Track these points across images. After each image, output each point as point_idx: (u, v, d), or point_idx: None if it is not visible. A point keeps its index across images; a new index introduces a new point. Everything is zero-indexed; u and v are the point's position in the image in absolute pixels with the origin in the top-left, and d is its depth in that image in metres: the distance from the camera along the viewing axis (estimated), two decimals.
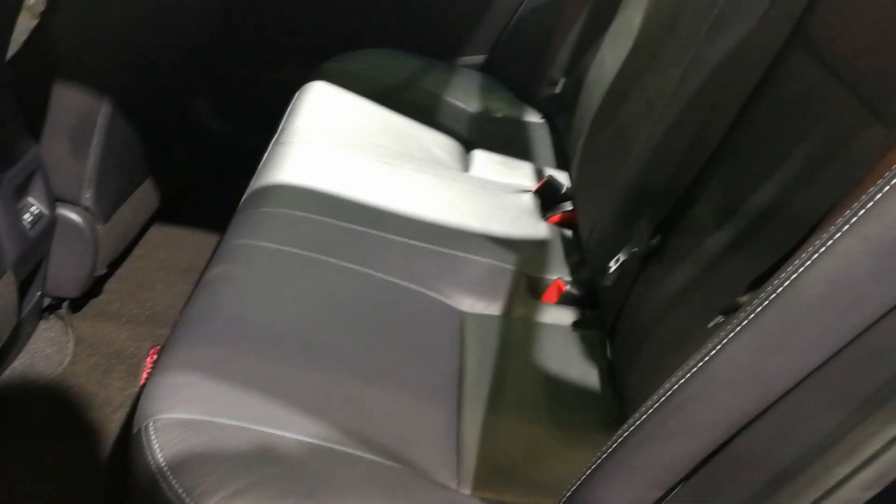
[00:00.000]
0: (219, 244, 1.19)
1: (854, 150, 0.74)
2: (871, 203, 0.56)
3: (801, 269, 0.58)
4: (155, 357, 1.46)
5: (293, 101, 1.58)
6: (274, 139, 1.45)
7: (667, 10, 1.26)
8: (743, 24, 1.00)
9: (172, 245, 1.83)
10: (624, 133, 1.20)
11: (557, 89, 1.76)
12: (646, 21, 1.38)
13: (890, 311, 0.58)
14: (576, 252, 1.29)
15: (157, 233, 1.83)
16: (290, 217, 1.19)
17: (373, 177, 1.34)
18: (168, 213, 1.80)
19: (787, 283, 0.59)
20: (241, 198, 1.32)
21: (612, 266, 1.08)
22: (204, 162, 1.99)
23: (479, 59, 1.94)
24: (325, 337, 0.99)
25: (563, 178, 1.54)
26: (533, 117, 1.81)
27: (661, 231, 1.02)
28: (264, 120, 1.63)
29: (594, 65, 1.59)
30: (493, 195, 1.41)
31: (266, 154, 1.40)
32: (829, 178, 0.76)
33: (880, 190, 0.55)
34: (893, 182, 0.55)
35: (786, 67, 0.92)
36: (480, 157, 1.57)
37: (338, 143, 1.42)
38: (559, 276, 1.23)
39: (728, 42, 1.01)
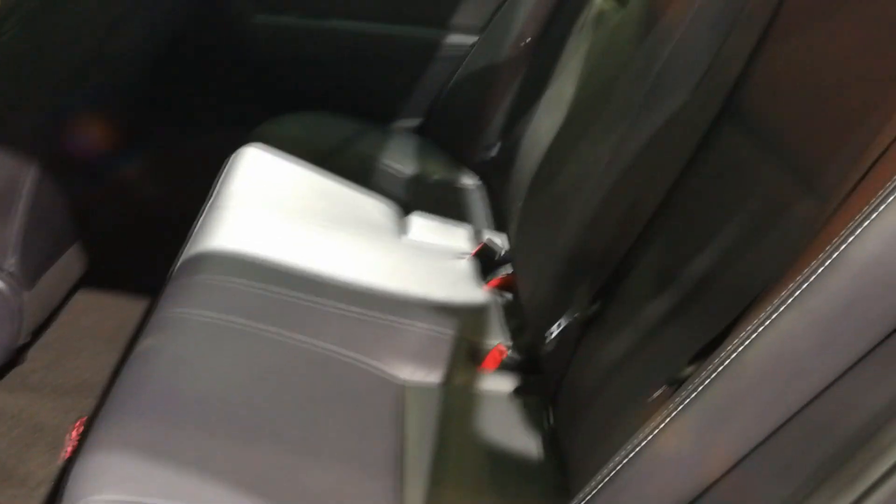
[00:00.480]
0: (148, 312, 1.16)
1: (789, 221, 0.76)
2: (812, 277, 0.57)
3: (744, 344, 0.58)
4: (80, 430, 1.40)
5: (227, 165, 1.56)
6: (208, 204, 1.42)
7: (601, 81, 1.28)
8: (676, 96, 1.02)
9: (98, 311, 1.77)
10: (561, 199, 1.21)
11: (493, 153, 1.78)
12: (580, 90, 1.41)
13: (832, 383, 0.58)
14: (515, 317, 1.29)
15: (82, 299, 1.77)
16: (224, 285, 1.16)
17: (309, 242, 1.33)
18: (94, 278, 1.74)
19: (731, 357, 0.59)
20: (170, 263, 1.29)
21: (553, 332, 1.08)
22: (133, 226, 1.94)
23: (414, 122, 1.95)
24: (260, 411, 0.96)
25: (500, 241, 1.54)
26: (469, 180, 1.82)
27: (601, 297, 1.02)
28: (197, 184, 1.61)
29: (529, 130, 1.61)
30: (431, 259, 1.41)
31: (199, 219, 1.37)
32: (766, 250, 0.77)
33: (821, 264, 0.56)
34: (833, 257, 0.56)
35: (718, 139, 0.94)
36: (418, 220, 1.56)
37: (273, 207, 1.40)
38: (499, 341, 1.22)
39: (661, 114, 1.03)
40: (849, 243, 0.55)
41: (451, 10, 1.86)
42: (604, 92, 1.22)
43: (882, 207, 0.55)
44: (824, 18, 0.84)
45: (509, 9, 1.78)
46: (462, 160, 1.85)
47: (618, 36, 1.29)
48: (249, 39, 1.85)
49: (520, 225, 1.41)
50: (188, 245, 1.31)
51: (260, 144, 1.62)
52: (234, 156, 1.60)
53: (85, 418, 1.41)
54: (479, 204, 1.72)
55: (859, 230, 0.55)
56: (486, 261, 1.43)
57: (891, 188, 0.55)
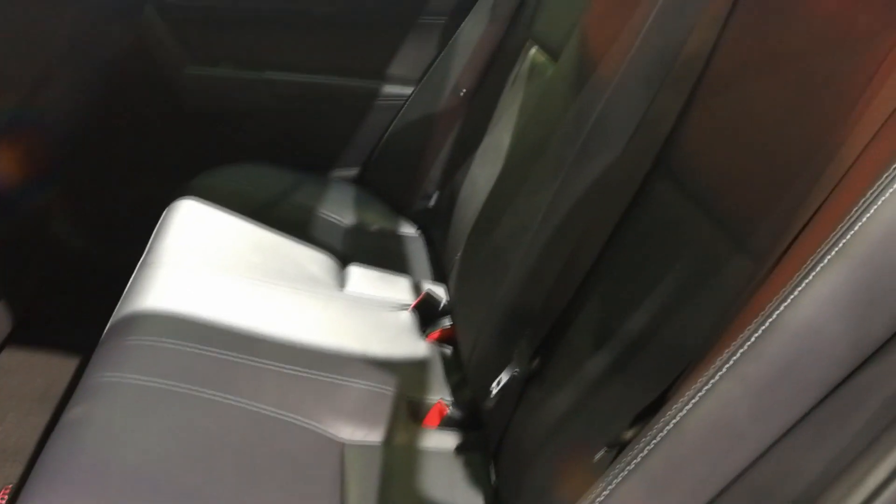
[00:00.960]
0: (78, 371, 1.12)
1: (722, 280, 0.77)
2: (747, 343, 0.57)
3: (683, 412, 0.59)
4: (5, 500, 1.35)
5: (160, 220, 1.53)
6: (140, 261, 1.39)
7: (535, 134, 1.30)
8: (608, 153, 1.04)
9: (25, 371, 1.71)
10: (499, 253, 1.22)
11: (431, 203, 1.79)
12: (515, 142, 1.43)
13: (770, 448, 0.59)
14: (457, 371, 1.28)
15: (8, 358, 1.71)
16: (157, 347, 1.13)
17: (246, 299, 1.30)
18: (21, 336, 1.69)
19: (670, 424, 0.59)
20: (101, 320, 1.25)
21: (494, 388, 1.07)
22: (62, 282, 1.89)
23: (352, 171, 1.95)
24: (196, 479, 0.94)
25: (440, 291, 1.54)
26: (408, 230, 1.82)
27: (542, 353, 1.03)
28: (131, 237, 1.57)
29: (467, 181, 1.62)
30: (370, 313, 1.40)
31: (132, 278, 1.34)
32: (700, 308, 0.78)
33: (756, 330, 0.57)
34: (767, 323, 0.57)
35: (651, 196, 0.96)
36: (356, 272, 1.55)
37: (208, 263, 1.38)
38: (441, 397, 1.21)
39: (594, 169, 1.05)
40: (783, 309, 0.56)
41: (387, 61, 1.87)
42: (538, 146, 1.24)
43: (813, 274, 0.56)
44: (750, 79, 0.87)
45: (445, 60, 1.79)
46: (401, 210, 1.85)
47: (551, 90, 1.31)
48: (183, 91, 1.83)
49: (459, 276, 1.41)
50: (120, 305, 1.28)
51: (195, 197, 1.60)
52: (168, 210, 1.57)
53: (10, 487, 1.36)
54: (418, 254, 1.72)
55: (792, 296, 0.57)
56: (426, 313, 1.43)
57: (821, 254, 0.56)
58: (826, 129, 0.71)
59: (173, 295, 1.25)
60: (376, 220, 1.81)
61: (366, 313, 1.39)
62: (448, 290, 1.50)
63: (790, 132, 0.77)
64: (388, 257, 1.67)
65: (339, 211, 1.78)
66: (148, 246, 1.44)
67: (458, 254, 1.47)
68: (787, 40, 0.82)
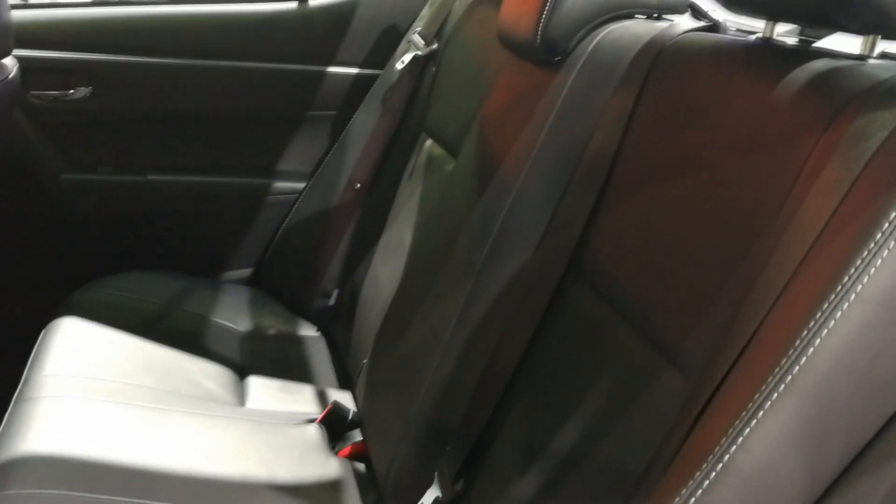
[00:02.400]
0: None
1: (656, 396, 0.73)
2: (699, 490, 0.53)
3: None
4: None
5: (38, 343, 1.40)
6: (16, 395, 1.26)
7: (440, 232, 1.26)
8: (519, 254, 1.00)
9: None
10: (410, 362, 1.16)
11: (331, 301, 1.72)
12: (418, 239, 1.38)
13: None
14: (372, 490, 1.20)
15: None
16: (42, 498, 1.01)
17: (138, 431, 1.19)
18: None
19: None
20: None
21: None
22: None
23: (245, 273, 1.86)
24: None
25: (348, 400, 1.46)
26: (308, 331, 1.74)
27: (465, 474, 0.96)
28: (6, 361, 1.44)
29: (368, 278, 1.57)
30: (274, 431, 1.30)
31: (6, 415, 1.21)
32: (636, 429, 0.74)
33: (706, 476, 0.53)
34: (718, 468, 0.53)
35: (569, 300, 0.92)
36: (256, 384, 1.46)
37: (94, 392, 1.26)
38: None
39: (507, 272, 1.01)
40: (733, 451, 0.53)
41: (277, 157, 1.81)
42: (444, 245, 1.20)
43: (762, 412, 0.53)
44: (659, 180, 0.85)
45: (338, 154, 1.75)
46: (299, 310, 1.77)
47: (453, 186, 1.27)
48: (60, 199, 1.71)
49: (368, 385, 1.34)
50: None
51: (76, 313, 1.48)
52: (46, 329, 1.45)
53: None
54: (321, 357, 1.64)
55: (742, 436, 0.53)
56: (335, 426, 1.34)
57: (767, 390, 0.53)
58: (748, 238, 0.68)
59: (55, 434, 1.13)
60: (273, 324, 1.72)
61: (270, 432, 1.30)
62: (356, 399, 1.42)
63: (707, 239, 0.75)
64: (289, 364, 1.59)
65: (234, 316, 1.68)
66: (24, 376, 1.31)
67: (365, 358, 1.40)
68: (695, 141, 0.81)
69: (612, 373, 0.81)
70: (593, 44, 1.01)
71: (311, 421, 1.36)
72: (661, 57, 0.90)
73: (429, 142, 1.55)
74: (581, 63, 1.01)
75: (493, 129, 1.19)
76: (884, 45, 0.77)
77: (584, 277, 0.91)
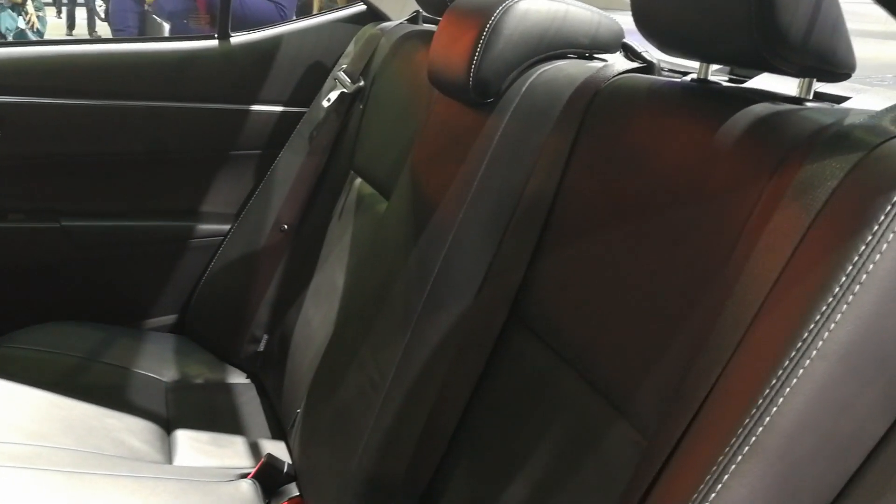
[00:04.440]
0: None
1: (609, 453, 0.71)
2: None
3: None
4: None
5: None
6: None
7: (374, 277, 1.22)
8: (458, 301, 0.97)
9: None
10: (348, 413, 1.11)
11: (261, 347, 1.66)
12: (351, 283, 1.34)
13: None
14: None
15: None
16: None
17: (55, 500, 1.12)
18: None
19: None
20: None
21: None
22: None
23: (168, 320, 1.78)
24: None
25: (281, 449, 1.41)
26: (237, 378, 1.68)
27: None
28: None
29: (299, 323, 1.52)
30: (206, 490, 1.24)
31: None
32: (586, 484, 0.72)
33: None
34: None
35: (512, 347, 0.90)
36: (184, 439, 1.39)
37: (5, 457, 1.18)
38: None
39: (446, 319, 0.98)
40: None
41: (200, 199, 1.75)
42: (378, 292, 1.16)
43: (727, 476, 0.51)
44: (597, 227, 0.83)
45: (263, 194, 1.70)
46: (227, 357, 1.70)
47: (385, 230, 1.24)
48: None
49: (303, 436, 1.29)
50: None
51: None
52: None
53: None
54: (252, 406, 1.58)
55: (708, 502, 0.51)
56: (269, 481, 1.29)
57: (731, 452, 0.51)
58: (695, 288, 0.67)
59: None
60: (200, 372, 1.65)
61: (200, 491, 1.23)
62: (291, 451, 1.37)
63: (652, 287, 0.74)
64: (219, 414, 1.52)
65: (158, 367, 1.61)
66: None
67: (300, 408, 1.35)
68: (635, 186, 0.80)
69: (561, 425, 0.79)
70: (526, 85, 1.00)
71: (245, 476, 1.30)
72: (596, 99, 0.89)
73: (358, 181, 1.52)
74: (515, 104, 1.00)
75: (425, 170, 1.17)
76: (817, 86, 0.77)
77: (526, 324, 0.89)
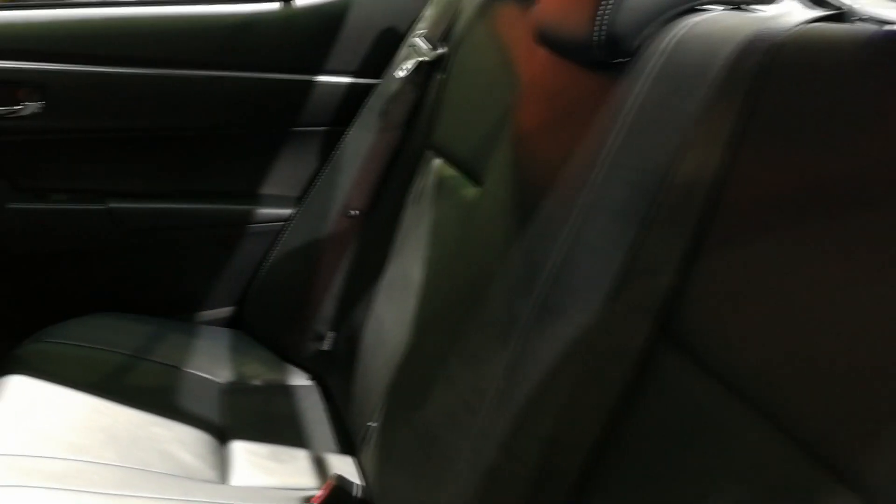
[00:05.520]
0: None
1: None
2: None
3: None
4: None
5: None
6: None
7: (462, 272, 1.03)
8: (581, 311, 0.78)
9: None
10: (436, 438, 0.93)
11: (326, 346, 1.48)
12: (432, 278, 1.16)
13: None
14: None
15: None
16: None
17: None
18: None
19: None
20: None
21: None
22: None
23: (224, 313, 1.62)
24: None
25: (349, 466, 1.24)
26: (299, 379, 1.51)
27: None
28: None
29: (370, 321, 1.34)
30: None
31: None
32: None
33: None
34: None
35: (660, 377, 0.70)
36: (240, 452, 1.23)
37: (41, 476, 1.02)
38: None
39: (565, 333, 0.79)
40: None
41: (259, 181, 1.58)
42: (469, 292, 0.97)
43: None
44: (787, 225, 0.63)
45: (329, 176, 1.52)
46: (287, 356, 1.54)
47: (477, 219, 1.05)
48: (7, 232, 1.47)
49: (379, 459, 1.11)
50: None
51: (24, 369, 1.24)
52: None
53: None
54: (315, 413, 1.41)
55: None
56: None
57: None
58: None
59: None
60: (258, 373, 1.49)
61: None
62: (362, 469, 1.20)
63: (877, 306, 0.54)
64: (279, 421, 1.36)
65: (212, 366, 1.45)
66: None
67: (372, 421, 1.17)
68: (840, 171, 0.59)
69: (738, 483, 0.60)
70: (671, 40, 0.80)
71: (309, 499, 1.13)
72: (774, 56, 0.68)
73: (437, 161, 1.33)
74: (655, 64, 0.80)
75: (529, 147, 0.97)
76: None
77: (681, 344, 0.69)
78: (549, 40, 0.94)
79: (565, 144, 0.88)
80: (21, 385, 1.21)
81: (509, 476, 0.80)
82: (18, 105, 1.41)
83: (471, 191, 1.15)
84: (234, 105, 1.52)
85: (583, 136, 0.85)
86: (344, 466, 1.24)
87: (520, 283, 0.86)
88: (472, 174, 1.18)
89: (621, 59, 0.84)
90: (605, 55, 0.84)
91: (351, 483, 1.14)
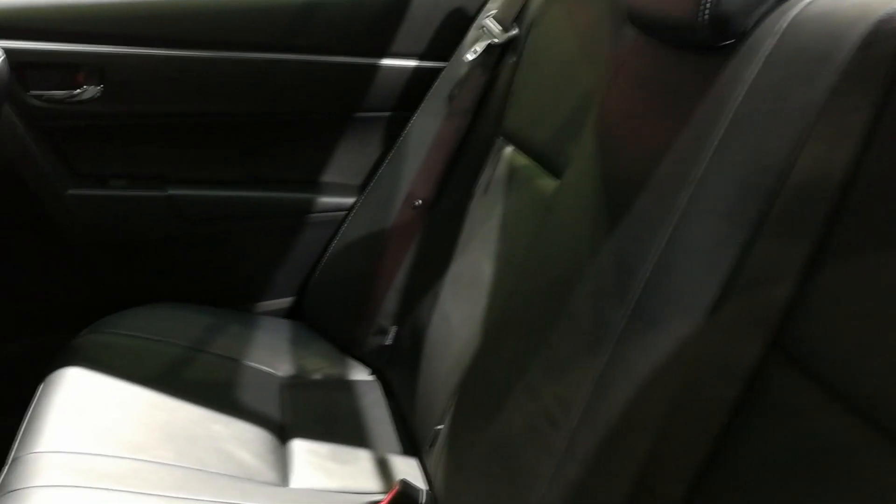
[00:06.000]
0: None
1: None
2: None
3: None
4: None
5: (32, 405, 1.13)
6: (0, 481, 0.98)
7: (540, 272, 0.96)
8: (683, 321, 0.71)
9: None
10: (513, 453, 0.87)
11: (388, 340, 1.43)
12: (506, 276, 1.09)
13: None
14: None
15: None
16: None
17: None
18: None
19: None
20: None
21: None
22: None
23: (283, 303, 1.58)
24: None
25: (413, 468, 1.19)
26: (360, 374, 1.46)
27: None
28: (4, 404, 1.18)
29: (435, 317, 1.28)
30: None
31: None
32: None
33: None
34: None
35: (775, 396, 0.63)
36: (301, 452, 1.18)
37: (98, 476, 0.98)
38: None
39: (664, 345, 0.72)
40: None
41: (321, 168, 1.53)
42: (551, 296, 0.90)
43: None
44: None
45: (393, 164, 1.46)
46: (348, 349, 1.49)
47: (558, 215, 0.98)
48: (64, 219, 1.44)
49: (448, 467, 1.05)
50: None
51: (81, 361, 1.21)
52: (44, 385, 1.17)
53: None
54: (377, 410, 1.35)
55: None
56: None
57: None
58: None
59: None
60: (319, 366, 1.44)
61: None
62: (428, 475, 1.14)
63: None
64: (340, 419, 1.31)
65: (272, 359, 1.41)
66: (13, 451, 1.03)
67: (440, 424, 1.11)
68: None
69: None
70: (786, 20, 0.71)
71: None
72: None
73: (508, 149, 1.26)
74: (769, 47, 0.71)
75: (619, 138, 0.89)
76: None
77: (800, 363, 0.62)
78: (642, 20, 0.86)
79: (660, 136, 0.80)
80: (79, 377, 1.18)
81: (599, 498, 0.73)
82: (77, 89, 1.38)
83: (547, 183, 1.08)
84: (296, 89, 1.47)
85: (681, 126, 0.78)
86: (408, 469, 1.19)
87: (610, 288, 0.79)
88: (549, 165, 1.11)
89: (728, 42, 0.76)
90: (710, 36, 0.75)
91: (417, 489, 1.09)
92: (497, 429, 0.91)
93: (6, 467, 1.00)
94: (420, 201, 1.42)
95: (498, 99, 1.33)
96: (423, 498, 1.08)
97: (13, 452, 1.03)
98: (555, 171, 1.08)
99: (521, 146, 1.22)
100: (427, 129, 1.42)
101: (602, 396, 0.76)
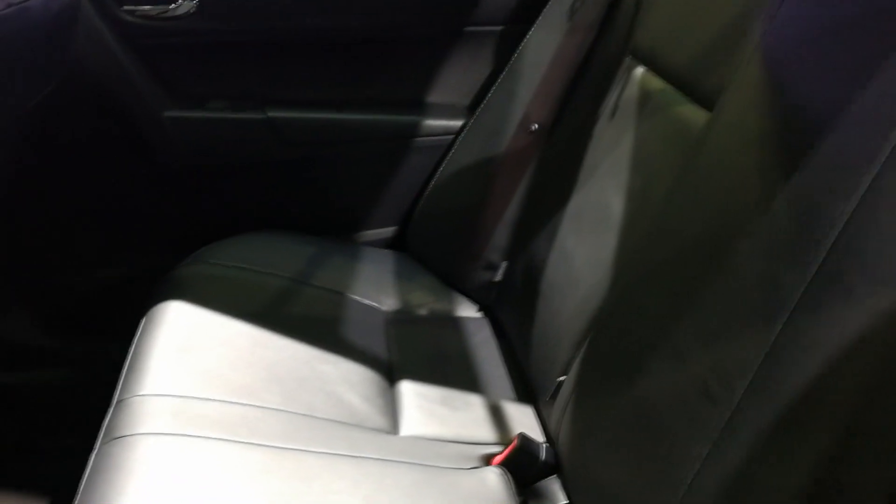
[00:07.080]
0: None
1: None
2: None
3: None
4: None
5: (135, 341, 1.09)
6: (104, 427, 0.94)
7: (689, 219, 0.84)
8: (881, 292, 0.59)
9: None
10: (661, 423, 0.77)
11: (498, 276, 1.34)
12: (642, 216, 0.98)
13: None
14: None
15: None
16: None
17: (261, 483, 0.86)
18: None
19: None
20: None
21: None
22: (24, 394, 1.45)
23: (386, 233, 1.50)
24: None
25: (528, 417, 1.11)
26: (467, 310, 1.38)
27: None
28: (106, 331, 1.15)
29: (553, 255, 1.18)
30: (444, 484, 0.95)
31: (90, 464, 0.90)
32: None
33: None
34: None
35: None
36: (410, 395, 1.13)
37: (203, 424, 0.93)
38: None
39: (854, 319, 0.60)
40: None
41: (427, 88, 1.42)
42: (707, 246, 0.79)
43: None
44: None
45: (506, 84, 1.34)
46: (454, 283, 1.41)
47: (710, 152, 0.85)
48: (162, 142, 1.38)
49: (573, 424, 0.96)
50: (82, 496, 0.84)
51: (183, 294, 1.16)
52: (145, 320, 1.14)
53: None
54: (487, 350, 1.28)
55: None
56: (523, 471, 0.99)
57: None
58: None
59: (154, 487, 0.82)
60: (425, 301, 1.37)
61: (437, 486, 0.95)
62: (547, 428, 1.06)
63: None
64: (449, 360, 1.24)
65: (376, 292, 1.34)
66: (117, 393, 1.00)
67: (563, 377, 1.03)
68: None
69: None
70: None
71: (489, 457, 1.01)
72: None
73: (639, 70, 1.13)
74: None
75: (799, 61, 0.76)
76: None
77: None
78: None
79: (851, 65, 0.67)
80: (182, 311, 1.13)
81: (767, 489, 0.64)
82: (173, 4, 1.30)
83: (692, 111, 0.95)
84: (401, 3, 1.35)
85: (883, 57, 0.64)
86: (524, 419, 1.12)
87: (786, 246, 0.67)
88: (693, 91, 0.98)
89: None
90: None
91: (538, 445, 1.02)
92: (637, 394, 0.82)
93: (111, 409, 0.96)
94: (536, 125, 1.30)
95: (626, 12, 1.19)
96: (545, 454, 1.01)
97: (117, 393, 0.99)
98: (701, 99, 0.95)
99: (656, 67, 1.09)
100: (545, 45, 1.29)
101: (773, 373, 0.65)
